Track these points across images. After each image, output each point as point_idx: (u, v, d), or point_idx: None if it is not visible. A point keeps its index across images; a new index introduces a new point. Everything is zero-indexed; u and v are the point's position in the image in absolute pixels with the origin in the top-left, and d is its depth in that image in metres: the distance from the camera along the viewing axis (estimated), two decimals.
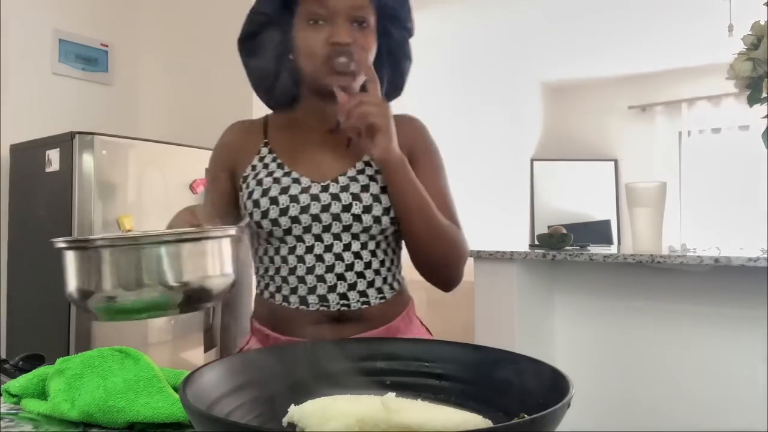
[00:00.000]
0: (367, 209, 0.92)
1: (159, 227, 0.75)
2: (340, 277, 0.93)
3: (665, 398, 2.08)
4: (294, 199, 0.92)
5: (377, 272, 0.95)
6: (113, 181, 2.34)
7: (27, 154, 2.52)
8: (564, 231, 2.30)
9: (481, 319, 2.33)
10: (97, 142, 2.28)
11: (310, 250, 0.92)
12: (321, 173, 0.95)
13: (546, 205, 5.69)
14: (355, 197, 0.93)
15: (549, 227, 2.42)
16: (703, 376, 2.02)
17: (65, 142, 2.29)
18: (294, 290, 0.93)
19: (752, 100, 1.40)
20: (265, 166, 0.97)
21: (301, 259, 0.93)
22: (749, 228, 4.68)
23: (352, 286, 0.93)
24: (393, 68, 1.02)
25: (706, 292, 2.04)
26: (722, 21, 3.44)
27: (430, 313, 2.04)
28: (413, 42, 1.04)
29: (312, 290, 0.92)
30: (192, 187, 2.51)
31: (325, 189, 0.93)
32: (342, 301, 0.92)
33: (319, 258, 0.92)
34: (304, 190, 0.93)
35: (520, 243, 5.13)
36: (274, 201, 0.92)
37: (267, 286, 0.97)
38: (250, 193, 0.94)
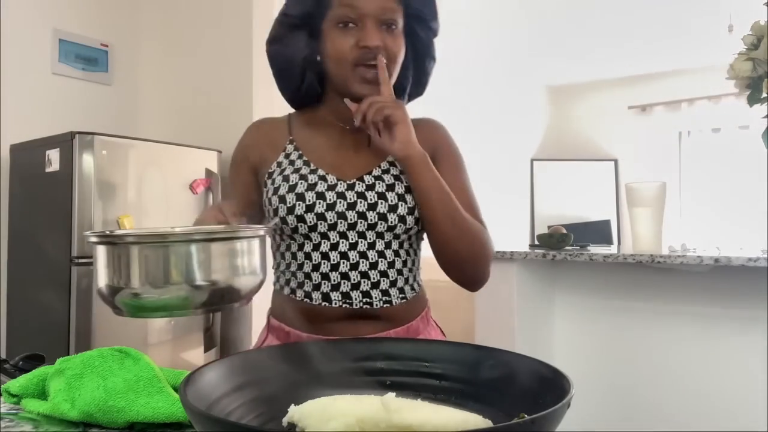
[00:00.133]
0: (393, 208, 0.93)
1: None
2: (364, 275, 0.93)
3: (665, 398, 2.08)
4: (320, 196, 0.92)
5: (400, 272, 0.96)
6: (113, 181, 2.34)
7: (27, 154, 2.52)
8: (564, 231, 2.29)
9: (481, 318, 2.33)
10: (97, 142, 2.28)
11: (334, 247, 0.93)
12: (346, 171, 0.96)
13: (546, 205, 5.69)
14: (381, 196, 0.93)
15: (549, 227, 2.42)
16: (703, 376, 2.02)
17: (65, 142, 2.28)
18: (317, 287, 0.93)
19: (752, 100, 1.39)
20: (291, 162, 0.97)
21: (325, 256, 0.93)
22: (749, 228, 4.68)
23: (375, 285, 0.93)
24: (418, 68, 1.04)
25: (706, 292, 2.03)
26: (722, 21, 3.44)
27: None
28: None
29: (335, 287, 0.92)
30: (192, 187, 2.50)
31: (350, 187, 0.93)
32: (365, 299, 0.93)
33: (344, 255, 0.92)
34: (331, 188, 0.93)
35: (520, 243, 5.12)
36: (300, 197, 0.92)
37: (288, 282, 0.97)
38: (276, 189, 0.94)
